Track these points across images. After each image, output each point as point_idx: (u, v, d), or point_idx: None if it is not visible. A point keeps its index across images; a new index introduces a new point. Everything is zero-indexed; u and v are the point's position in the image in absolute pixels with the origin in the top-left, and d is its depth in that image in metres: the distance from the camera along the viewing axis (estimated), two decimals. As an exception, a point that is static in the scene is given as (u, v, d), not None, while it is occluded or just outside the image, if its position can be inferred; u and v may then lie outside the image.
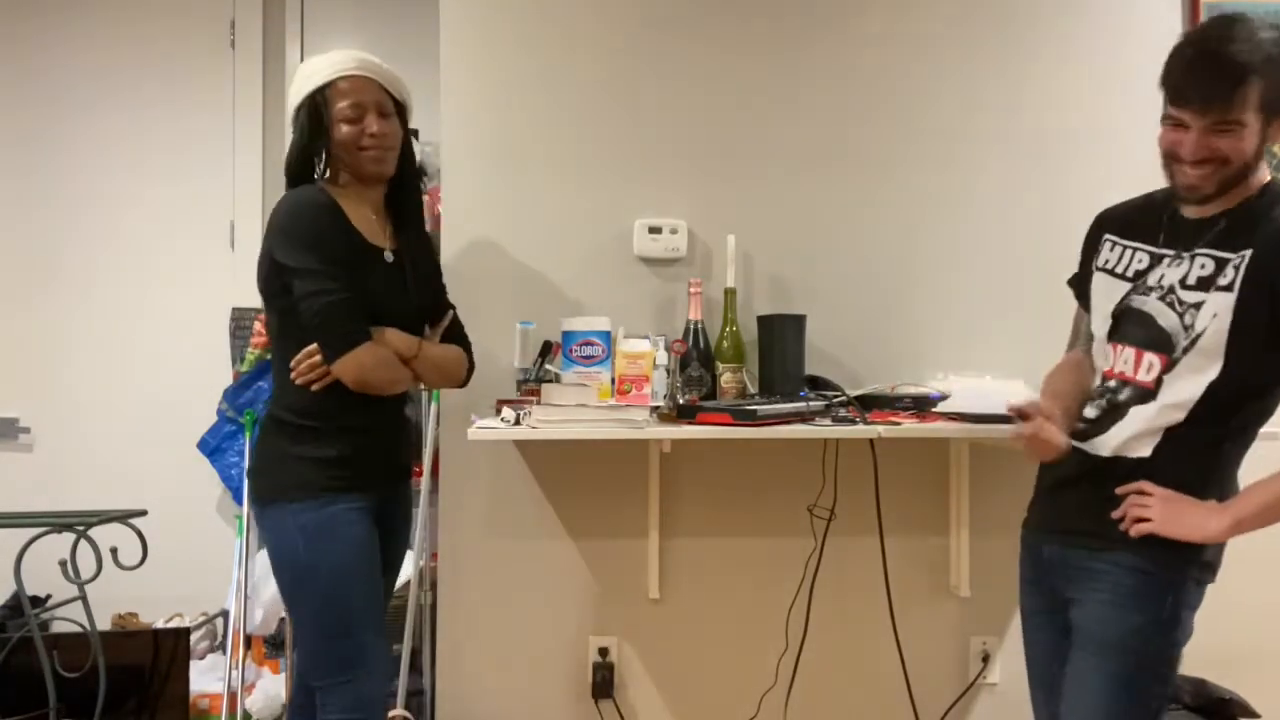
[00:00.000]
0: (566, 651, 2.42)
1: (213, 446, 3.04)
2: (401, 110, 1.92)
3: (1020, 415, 1.63)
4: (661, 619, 2.43)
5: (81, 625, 2.25)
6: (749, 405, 2.00)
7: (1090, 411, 1.64)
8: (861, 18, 2.47)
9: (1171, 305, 1.55)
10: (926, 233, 2.47)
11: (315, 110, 1.82)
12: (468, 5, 2.42)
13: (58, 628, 2.41)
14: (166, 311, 3.26)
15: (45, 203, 3.28)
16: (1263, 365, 1.51)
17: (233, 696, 2.65)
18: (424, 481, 2.57)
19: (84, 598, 2.22)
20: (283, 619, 2.81)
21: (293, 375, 1.80)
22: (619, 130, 2.43)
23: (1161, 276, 1.57)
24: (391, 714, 2.47)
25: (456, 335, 2.06)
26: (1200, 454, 1.54)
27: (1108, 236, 1.69)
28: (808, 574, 2.42)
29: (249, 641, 2.81)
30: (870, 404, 2.19)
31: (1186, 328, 1.52)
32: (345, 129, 1.82)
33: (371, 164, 1.86)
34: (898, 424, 2.05)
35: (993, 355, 2.43)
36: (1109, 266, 1.67)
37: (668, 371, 2.19)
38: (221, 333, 3.04)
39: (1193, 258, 1.54)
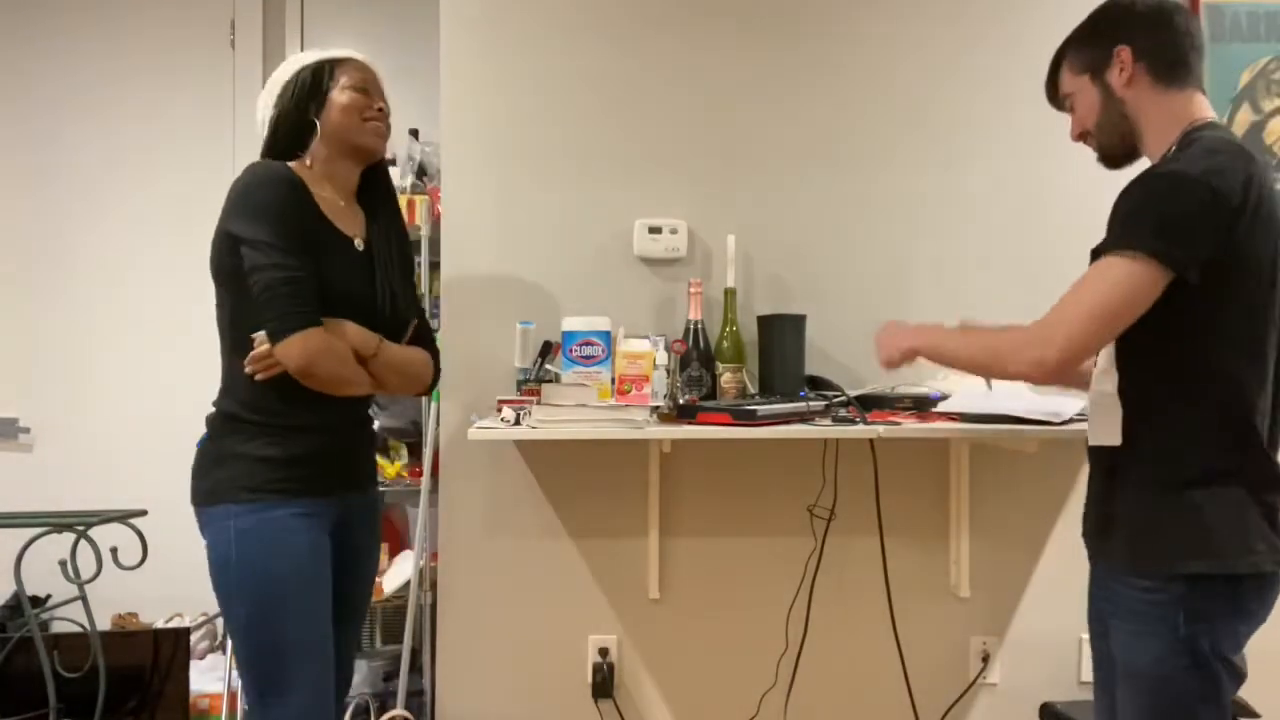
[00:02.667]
0: (566, 651, 2.42)
1: (213, 446, 3.03)
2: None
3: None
4: (661, 619, 2.43)
5: (81, 625, 2.25)
6: (749, 405, 2.00)
7: None
8: (860, 18, 2.47)
9: None
10: (927, 232, 2.47)
11: (316, 78, 1.76)
12: (468, 5, 2.42)
13: (58, 628, 2.41)
14: (166, 311, 3.26)
15: (45, 202, 3.28)
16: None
17: (233, 696, 2.65)
18: (424, 481, 2.57)
19: (84, 598, 2.22)
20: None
21: (245, 362, 1.66)
22: (619, 130, 2.43)
23: None
24: (391, 714, 2.48)
25: (423, 340, 1.92)
26: (1168, 431, 1.44)
27: None
28: (808, 574, 2.42)
29: (249, 641, 2.81)
30: (870, 404, 2.19)
31: None
32: (351, 95, 1.77)
33: (372, 135, 1.80)
34: (898, 424, 2.05)
35: (993, 355, 2.43)
36: None
37: (668, 371, 2.20)
38: (222, 333, 3.04)
39: None
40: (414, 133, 2.87)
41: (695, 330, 2.28)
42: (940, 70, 2.48)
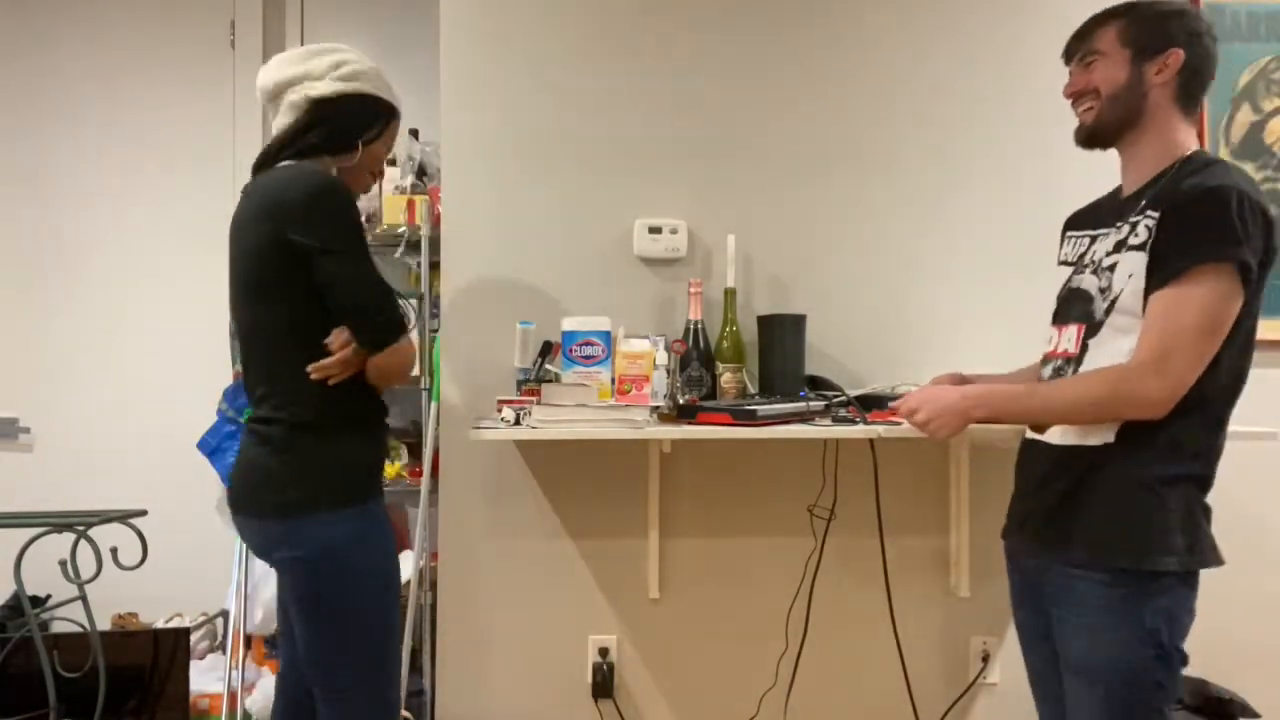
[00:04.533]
0: (566, 651, 2.42)
1: (213, 446, 3.03)
2: None
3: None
4: (661, 619, 2.43)
5: (81, 625, 2.25)
6: (749, 405, 2.00)
7: None
8: (862, 19, 2.47)
9: (1096, 274, 1.58)
10: (926, 233, 2.47)
11: (388, 119, 1.86)
12: (467, 6, 2.42)
13: (58, 628, 2.41)
14: (166, 311, 3.26)
15: (46, 203, 3.28)
16: None
17: (233, 696, 2.65)
18: (424, 481, 2.57)
19: (84, 598, 2.22)
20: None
21: (313, 369, 1.65)
22: (619, 130, 2.43)
23: (1094, 252, 1.62)
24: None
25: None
26: (1163, 430, 1.46)
27: (1068, 233, 1.77)
28: (808, 574, 2.42)
29: (249, 641, 2.81)
30: (870, 404, 2.19)
31: (1103, 290, 1.54)
32: (383, 157, 1.91)
33: (366, 188, 1.96)
34: (898, 424, 2.04)
35: (992, 355, 2.42)
36: (1062, 259, 1.74)
37: (668, 371, 2.19)
38: (221, 333, 3.04)
39: (1118, 228, 1.57)
40: (414, 133, 2.87)
41: (695, 330, 2.28)
42: (942, 70, 2.48)
